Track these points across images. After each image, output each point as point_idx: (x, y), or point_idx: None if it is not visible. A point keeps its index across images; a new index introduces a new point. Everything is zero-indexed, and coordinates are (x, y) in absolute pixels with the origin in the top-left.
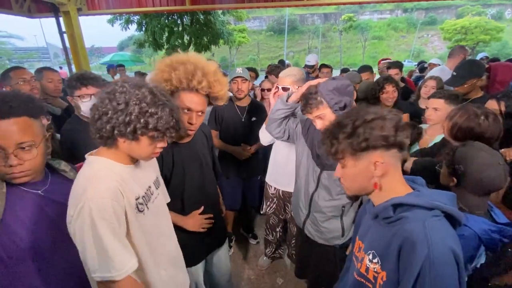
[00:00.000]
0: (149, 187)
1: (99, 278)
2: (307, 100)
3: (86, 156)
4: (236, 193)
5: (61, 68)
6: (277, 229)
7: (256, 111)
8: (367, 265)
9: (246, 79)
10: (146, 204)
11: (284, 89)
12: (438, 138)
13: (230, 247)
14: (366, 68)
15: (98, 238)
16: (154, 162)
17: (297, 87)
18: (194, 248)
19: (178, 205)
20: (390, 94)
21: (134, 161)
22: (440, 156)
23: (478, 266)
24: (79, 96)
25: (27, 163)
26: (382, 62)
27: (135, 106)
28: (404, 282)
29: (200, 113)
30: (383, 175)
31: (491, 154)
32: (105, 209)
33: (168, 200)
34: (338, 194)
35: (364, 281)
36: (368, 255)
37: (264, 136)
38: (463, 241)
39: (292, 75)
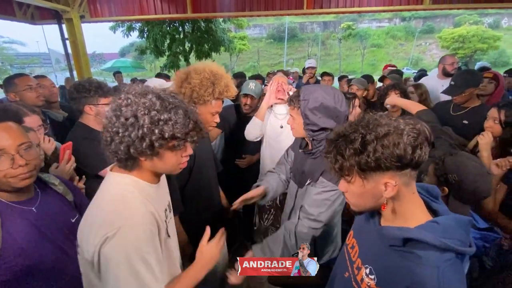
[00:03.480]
0: (166, 209)
1: None
2: (292, 97)
3: (108, 170)
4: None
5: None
6: None
7: None
8: (363, 277)
9: (256, 98)
10: (167, 228)
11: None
12: None
13: (229, 253)
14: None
15: (135, 272)
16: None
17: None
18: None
19: (195, 196)
20: None
21: (159, 179)
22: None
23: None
24: (108, 104)
25: (32, 162)
26: (388, 68)
27: (145, 117)
28: None
29: None
30: (395, 197)
31: (480, 164)
32: (144, 237)
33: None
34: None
35: None
36: (366, 268)
37: (251, 132)
38: None
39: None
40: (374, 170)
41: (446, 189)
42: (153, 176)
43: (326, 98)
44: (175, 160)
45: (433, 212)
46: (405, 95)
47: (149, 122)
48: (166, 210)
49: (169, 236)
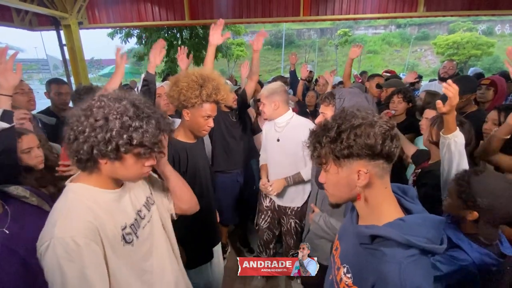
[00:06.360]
0: (139, 211)
1: None
2: (326, 95)
3: (66, 183)
4: (233, 208)
5: None
6: (271, 246)
7: (243, 105)
8: (342, 276)
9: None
10: (136, 233)
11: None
12: None
13: (224, 258)
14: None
15: (66, 284)
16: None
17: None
18: (201, 246)
19: None
20: (394, 104)
21: (120, 184)
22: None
23: None
24: None
25: None
26: (384, 73)
27: (116, 121)
28: None
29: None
30: (368, 186)
31: (509, 183)
32: (73, 249)
33: (172, 211)
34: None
35: None
36: (344, 267)
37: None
38: (463, 273)
39: (265, 89)
40: (347, 157)
41: (476, 214)
42: (112, 181)
43: (360, 98)
44: (137, 168)
45: (407, 211)
46: (409, 99)
47: (119, 127)
48: (140, 211)
49: (127, 242)
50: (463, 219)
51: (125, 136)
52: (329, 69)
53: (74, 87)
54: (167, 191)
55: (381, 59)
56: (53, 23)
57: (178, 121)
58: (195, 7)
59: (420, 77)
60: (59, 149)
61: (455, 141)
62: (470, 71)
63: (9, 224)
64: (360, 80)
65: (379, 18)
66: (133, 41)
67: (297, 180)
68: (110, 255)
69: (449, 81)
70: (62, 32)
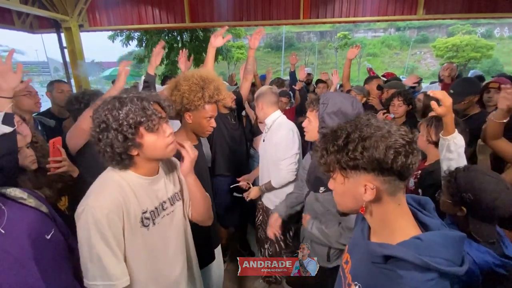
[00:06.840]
0: (164, 202)
1: (101, 286)
2: (311, 100)
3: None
4: (233, 211)
5: None
6: (266, 246)
7: (240, 104)
8: None
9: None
10: (153, 220)
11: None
12: None
13: (224, 261)
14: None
15: (92, 247)
16: (177, 175)
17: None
18: (201, 248)
19: None
20: (394, 107)
21: (156, 172)
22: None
23: None
24: None
25: None
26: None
27: (109, 116)
28: None
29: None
30: (376, 202)
31: (496, 178)
32: (99, 217)
33: (189, 214)
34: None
35: None
36: (355, 285)
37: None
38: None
39: (256, 92)
40: (353, 169)
41: (464, 209)
42: (149, 169)
43: (344, 104)
44: (160, 142)
45: (423, 225)
46: (409, 102)
47: (113, 120)
48: (164, 202)
49: (144, 225)
50: (456, 217)
51: (124, 123)
52: (329, 72)
53: (74, 89)
54: None
55: (380, 61)
56: (54, 26)
57: (176, 123)
58: (195, 9)
59: (420, 80)
60: None
61: (455, 143)
62: (470, 74)
63: (5, 225)
64: (374, 74)
65: (378, 21)
66: (133, 44)
67: (269, 188)
68: (127, 231)
69: (429, 91)
70: (62, 35)
